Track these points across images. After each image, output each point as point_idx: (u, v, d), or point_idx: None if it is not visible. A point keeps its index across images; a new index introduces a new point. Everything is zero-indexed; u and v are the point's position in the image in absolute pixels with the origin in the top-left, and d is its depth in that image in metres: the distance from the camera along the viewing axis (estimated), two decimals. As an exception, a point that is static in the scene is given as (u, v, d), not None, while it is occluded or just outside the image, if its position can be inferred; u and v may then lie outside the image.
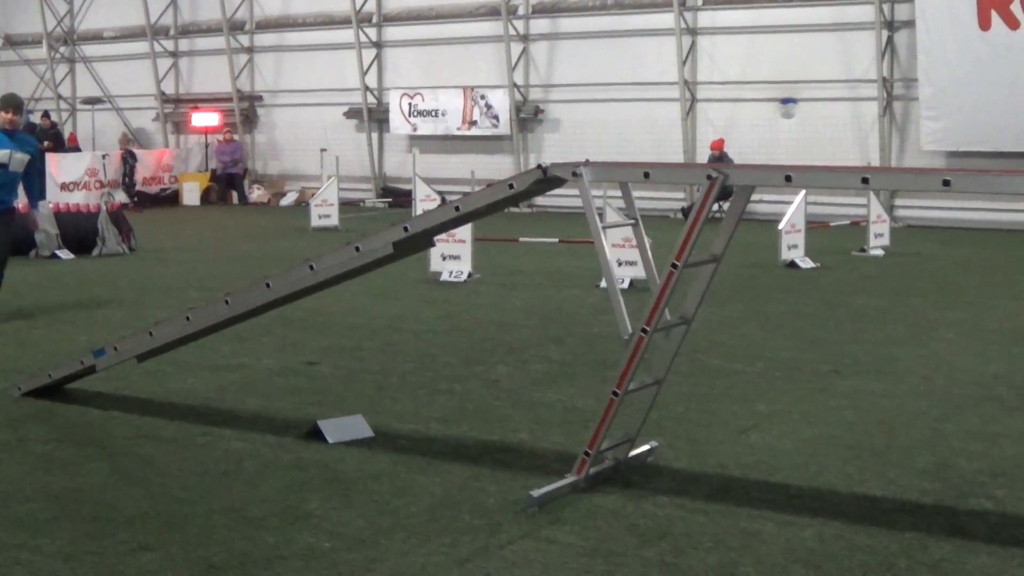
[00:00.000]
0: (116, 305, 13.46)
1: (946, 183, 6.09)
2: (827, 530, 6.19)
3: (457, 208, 7.46)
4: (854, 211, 22.38)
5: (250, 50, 34.05)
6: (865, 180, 6.35)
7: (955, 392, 9.39)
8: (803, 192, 17.72)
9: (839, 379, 9.88)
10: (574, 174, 6.87)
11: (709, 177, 6.57)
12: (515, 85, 29.47)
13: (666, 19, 27.37)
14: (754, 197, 23.32)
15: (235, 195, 32.29)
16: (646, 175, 6.89)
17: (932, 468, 7.34)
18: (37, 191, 13.24)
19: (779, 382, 9.76)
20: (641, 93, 27.78)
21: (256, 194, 32.64)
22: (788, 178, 6.49)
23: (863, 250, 19.27)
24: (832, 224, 22.80)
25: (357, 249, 7.75)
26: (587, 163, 7.00)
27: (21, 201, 13.14)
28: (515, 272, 16.81)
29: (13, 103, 12.46)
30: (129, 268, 16.17)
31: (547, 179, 7.07)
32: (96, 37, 36.53)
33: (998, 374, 10.05)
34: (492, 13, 29.69)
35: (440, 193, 20.65)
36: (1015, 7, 23.49)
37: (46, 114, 33.53)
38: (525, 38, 29.71)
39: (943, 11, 24.10)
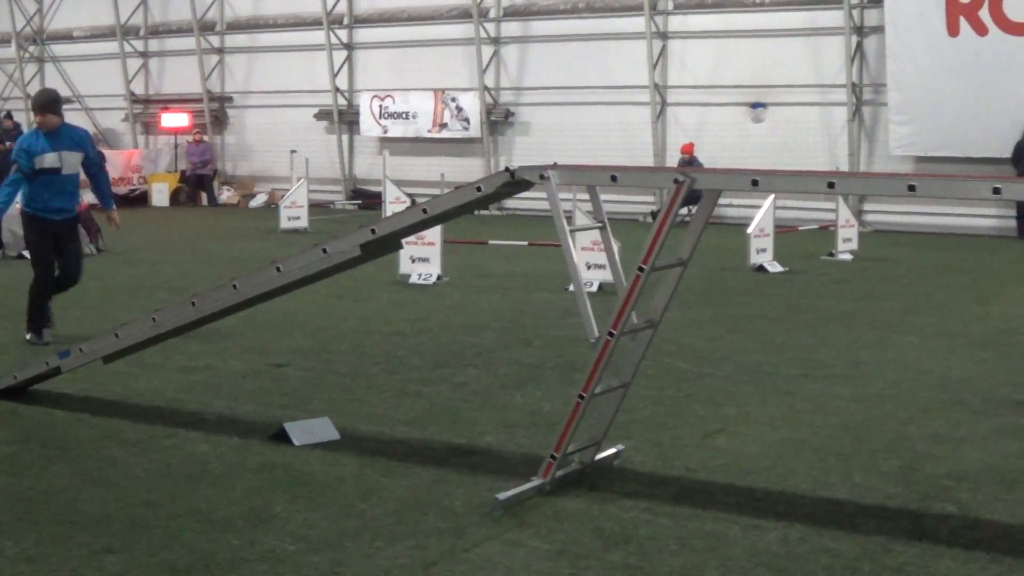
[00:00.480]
0: (83, 306, 13.37)
1: (911, 188, 6.13)
2: (792, 533, 6.21)
3: (425, 211, 7.45)
4: (823, 215, 22.44)
5: (220, 51, 33.96)
6: (831, 184, 6.39)
7: (921, 396, 9.43)
8: (772, 196, 17.79)
9: (806, 383, 9.91)
10: (541, 177, 6.87)
11: (676, 181, 6.57)
12: (486, 88, 29.48)
13: (637, 23, 27.43)
14: (723, 201, 23.38)
15: (204, 196, 32.17)
16: (613, 178, 6.89)
17: (897, 472, 7.37)
18: (107, 189, 11.99)
19: (746, 385, 9.79)
20: (612, 97, 27.82)
21: (226, 195, 32.54)
22: (755, 182, 6.52)
23: (831, 254, 19.35)
24: (801, 228, 22.89)
25: (324, 251, 7.74)
26: (555, 166, 7.00)
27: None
28: (484, 275, 16.81)
29: (38, 103, 11.36)
30: (97, 269, 16.07)
31: (515, 182, 7.07)
32: (66, 37, 36.35)
33: (964, 378, 10.10)
34: (463, 16, 29.69)
35: (410, 195, 20.61)
36: (983, 13, 23.63)
37: (8, 115, 33.28)
38: (496, 41, 29.71)
39: (912, 17, 24.22)
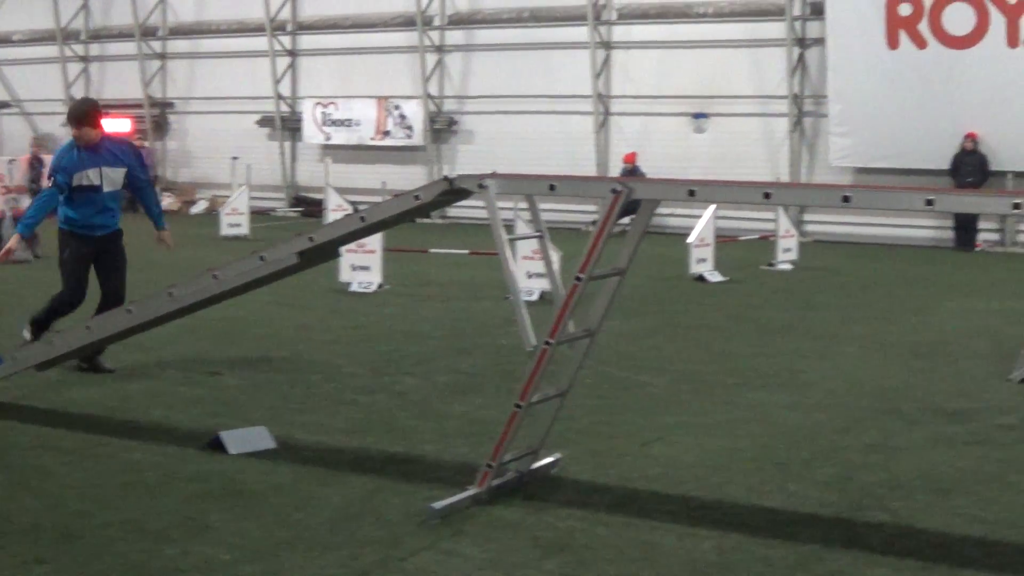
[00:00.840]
0: (20, 313, 13.22)
1: (846, 199, 6.19)
2: (727, 542, 6.23)
3: (363, 219, 7.44)
4: (763, 226, 22.58)
5: (162, 56, 33.73)
6: (767, 195, 6.43)
7: (857, 405, 9.51)
8: (712, 207, 17.88)
9: (744, 392, 9.97)
10: (480, 186, 6.88)
11: (614, 191, 6.59)
12: (429, 96, 29.46)
13: (581, 32, 27.51)
14: (665, 211, 23.56)
15: (145, 203, 31.84)
16: (552, 188, 6.91)
17: (832, 480, 7.43)
18: (156, 207, 10.89)
19: (685, 394, 9.83)
20: (555, 106, 27.88)
21: (166, 202, 32.23)
22: (691, 193, 6.55)
23: (771, 264, 19.48)
24: (741, 238, 23.01)
25: (262, 259, 7.72)
26: (493, 175, 7.01)
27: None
28: (425, 283, 16.79)
29: (74, 115, 10.32)
30: (34, 275, 15.90)
31: (453, 191, 7.07)
32: (4, 40, 35.92)
33: (899, 388, 10.19)
34: (407, 23, 29.64)
35: (353, 203, 20.51)
36: (923, 27, 23.88)
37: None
38: (440, 49, 29.70)
39: (853, 30, 24.44)
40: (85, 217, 10.25)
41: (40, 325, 10.56)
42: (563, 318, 6.66)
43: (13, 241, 10.13)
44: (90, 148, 10.17)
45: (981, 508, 6.90)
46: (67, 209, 10.23)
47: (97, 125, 10.31)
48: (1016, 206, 5.98)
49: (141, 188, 10.70)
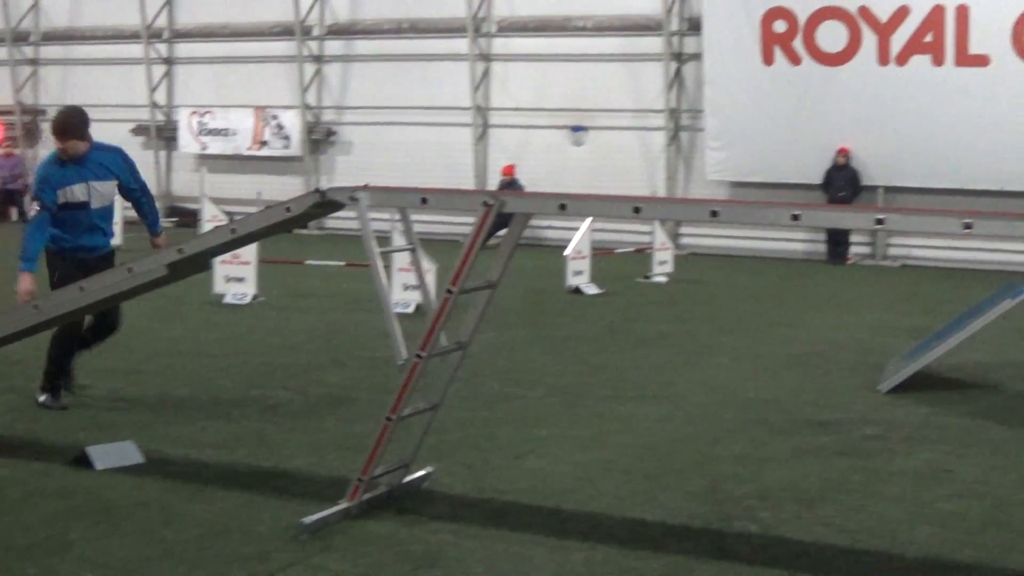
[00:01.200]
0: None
1: (714, 214, 6.26)
2: (596, 554, 6.27)
3: (233, 230, 7.37)
4: (639, 238, 22.76)
5: (34, 62, 33.05)
6: (637, 209, 6.48)
7: (727, 417, 9.62)
8: (589, 219, 17.99)
9: (617, 404, 10.04)
10: (352, 198, 6.85)
11: (485, 204, 6.60)
12: (307, 106, 29.26)
13: (460, 44, 27.54)
14: (543, 223, 23.55)
15: (14, 212, 31.22)
16: (424, 201, 6.90)
17: (702, 491, 7.51)
18: (153, 214, 10.05)
19: (558, 407, 9.87)
20: (434, 117, 27.86)
21: (31, 212, 31.56)
22: (563, 206, 6.58)
23: (647, 277, 19.65)
24: (617, 251, 23.18)
25: (130, 270, 7.60)
26: (365, 187, 6.99)
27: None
28: (301, 295, 16.67)
29: (60, 126, 9.45)
30: None
31: (325, 203, 7.03)
32: None
33: (769, 399, 10.34)
34: (286, 33, 29.41)
35: (229, 213, 20.30)
36: (797, 43, 24.29)
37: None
38: (319, 59, 29.53)
39: (729, 45, 24.78)
40: (74, 237, 9.34)
41: (53, 377, 9.47)
42: (435, 331, 6.65)
43: (26, 281, 8.95)
44: (76, 160, 9.33)
45: (846, 518, 7.02)
46: (54, 228, 9.25)
47: (85, 137, 9.47)
48: (879, 221, 6.10)
49: (136, 199, 9.95)
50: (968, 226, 5.82)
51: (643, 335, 13.83)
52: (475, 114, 27.59)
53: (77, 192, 9.26)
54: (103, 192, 9.47)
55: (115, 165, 9.65)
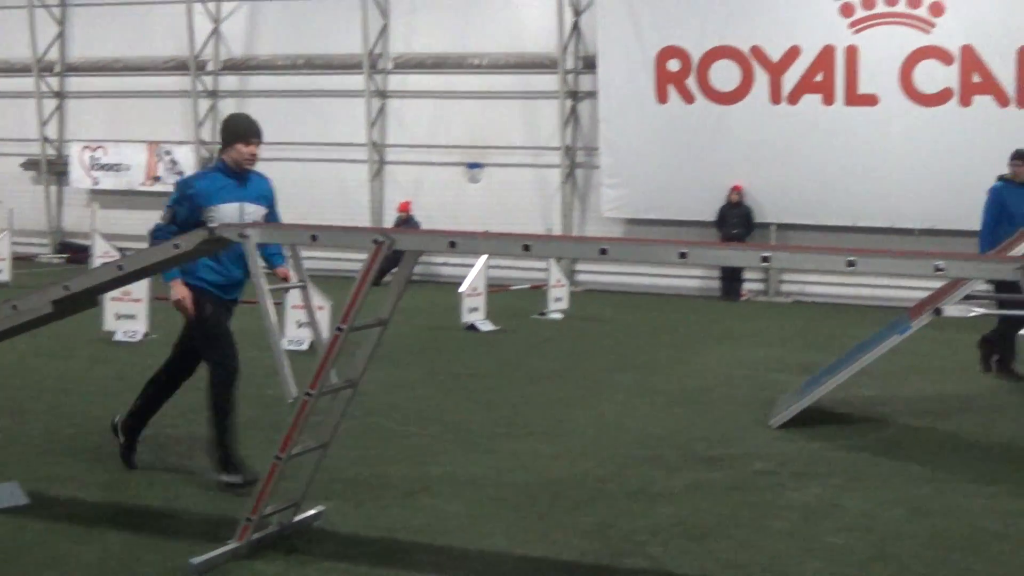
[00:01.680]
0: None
1: (603, 252, 6.30)
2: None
3: (121, 267, 7.27)
4: (535, 275, 22.86)
5: (-79, 96, 32.48)
6: (527, 247, 6.50)
7: (620, 453, 9.66)
8: (484, 256, 18.01)
9: (510, 441, 10.03)
10: (241, 235, 6.79)
11: (375, 242, 6.59)
12: (202, 141, 29.03)
13: (356, 81, 27.52)
14: (439, 260, 23.50)
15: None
16: (314, 238, 6.86)
17: (594, 528, 7.52)
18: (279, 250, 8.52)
19: (451, 444, 9.85)
20: (330, 153, 27.79)
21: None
22: (452, 244, 6.58)
23: (542, 313, 19.71)
24: (512, 288, 23.24)
25: (14, 307, 7.46)
26: (255, 224, 6.94)
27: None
28: (194, 332, 16.44)
29: (234, 130, 8.39)
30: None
31: (214, 240, 6.96)
32: None
33: (662, 435, 10.40)
34: (180, 68, 29.20)
35: (121, 249, 20.05)
36: (690, 82, 24.61)
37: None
38: (214, 94, 29.34)
39: (624, 84, 25.03)
40: (227, 270, 8.39)
41: (227, 444, 8.37)
42: (324, 369, 6.61)
43: (179, 288, 8.32)
44: (237, 175, 8.36)
45: (737, 552, 7.08)
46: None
47: (246, 143, 8.37)
48: (764, 259, 6.18)
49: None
50: (852, 263, 5.93)
51: (538, 372, 13.86)
52: (371, 150, 27.57)
53: (227, 213, 8.16)
54: (255, 217, 8.33)
55: (266, 190, 8.72)
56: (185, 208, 8.15)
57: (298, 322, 14.58)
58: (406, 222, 25.18)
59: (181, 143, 29.15)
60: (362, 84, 27.40)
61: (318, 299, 13.79)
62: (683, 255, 6.14)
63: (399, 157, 27.72)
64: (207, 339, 8.54)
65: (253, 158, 8.37)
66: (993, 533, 7.67)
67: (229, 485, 8.14)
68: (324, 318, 13.36)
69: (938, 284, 11.13)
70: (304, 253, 7.21)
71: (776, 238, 24.01)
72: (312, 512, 7.37)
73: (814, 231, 23.70)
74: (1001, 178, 13.73)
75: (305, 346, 14.20)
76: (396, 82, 27.83)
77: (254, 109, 28.55)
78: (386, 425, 10.45)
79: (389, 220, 26.60)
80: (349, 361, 7.01)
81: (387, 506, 7.90)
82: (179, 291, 8.34)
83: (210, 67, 29.31)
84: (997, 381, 13.62)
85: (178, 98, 29.40)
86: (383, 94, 27.80)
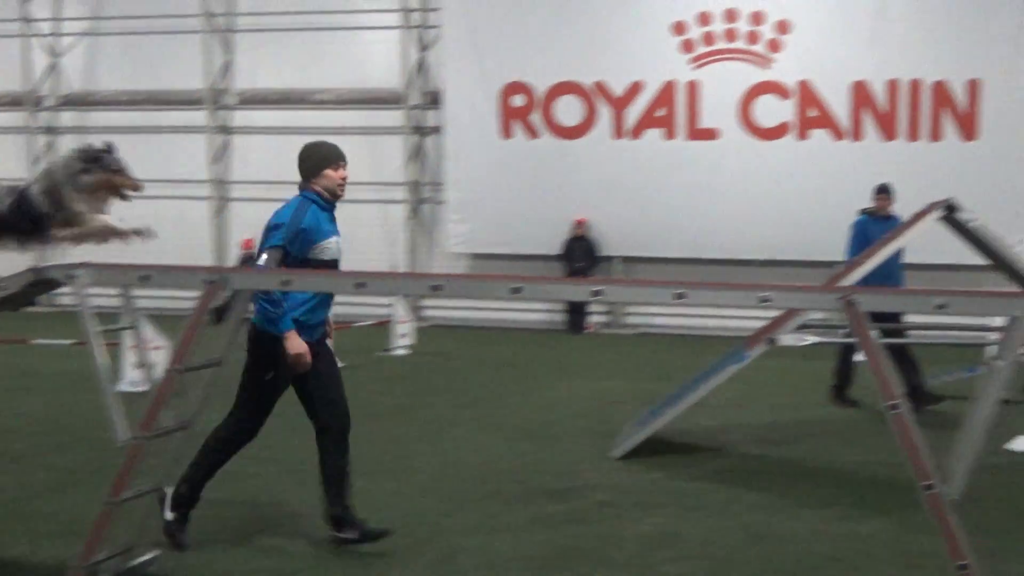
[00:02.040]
0: None
1: (436, 288, 6.34)
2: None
3: (-57, 310, 7.08)
4: (381, 311, 22.78)
5: None
6: (361, 285, 6.50)
7: (462, 489, 9.67)
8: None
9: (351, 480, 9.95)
10: (69, 276, 6.67)
11: (208, 282, 6.52)
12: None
13: (199, 117, 27.23)
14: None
15: None
16: (145, 278, 6.77)
17: (433, 565, 7.53)
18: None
19: (291, 484, 9.76)
20: (172, 190, 27.29)
21: None
22: (286, 282, 6.55)
23: (387, 350, 19.66)
24: (355, 324, 23.11)
25: None
26: (83, 264, 6.83)
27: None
28: (26, 375, 16.08)
29: (323, 156, 8.21)
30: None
31: (42, 281, 6.83)
32: None
33: (504, 469, 10.44)
34: (15, 103, 28.56)
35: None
36: (535, 118, 24.82)
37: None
38: (52, 130, 28.74)
39: (469, 119, 25.15)
40: (318, 310, 7.78)
41: (337, 486, 7.99)
42: (156, 411, 6.51)
43: (299, 342, 7.54)
44: (330, 206, 7.98)
45: (574, 586, 7.14)
46: (293, 295, 7.50)
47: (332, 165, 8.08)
48: (595, 293, 6.27)
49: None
50: (680, 295, 6.05)
51: (380, 409, 13.79)
52: (214, 187, 27.27)
53: (329, 247, 7.84)
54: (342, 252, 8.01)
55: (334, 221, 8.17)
56: (296, 246, 7.59)
57: (135, 363, 14.33)
58: (250, 259, 24.91)
59: (17, 181, 28.40)
60: (205, 120, 27.11)
61: (156, 339, 13.61)
62: (517, 290, 6.21)
63: (243, 194, 27.42)
64: (322, 393, 8.06)
65: (344, 182, 8.05)
66: (825, 556, 7.86)
67: (345, 541, 7.79)
68: (163, 358, 13.15)
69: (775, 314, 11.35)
70: (149, 292, 7.09)
71: (622, 271, 24.31)
72: (147, 557, 7.23)
73: (659, 263, 24.05)
74: (864, 211, 14.04)
75: (144, 387, 13.94)
76: (240, 118, 27.59)
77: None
78: (225, 466, 10.28)
79: (232, 259, 26.30)
80: (183, 402, 6.92)
81: (224, 549, 7.80)
82: (298, 344, 7.53)
83: (48, 102, 28.73)
84: (829, 408, 13.93)
85: (13, 134, 28.73)
86: (227, 130, 27.54)
